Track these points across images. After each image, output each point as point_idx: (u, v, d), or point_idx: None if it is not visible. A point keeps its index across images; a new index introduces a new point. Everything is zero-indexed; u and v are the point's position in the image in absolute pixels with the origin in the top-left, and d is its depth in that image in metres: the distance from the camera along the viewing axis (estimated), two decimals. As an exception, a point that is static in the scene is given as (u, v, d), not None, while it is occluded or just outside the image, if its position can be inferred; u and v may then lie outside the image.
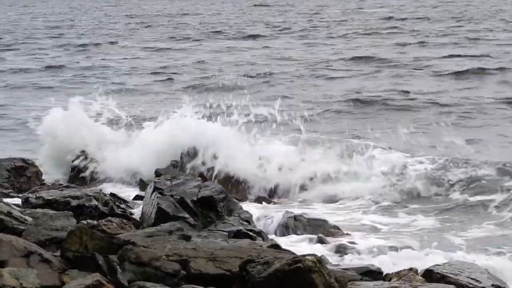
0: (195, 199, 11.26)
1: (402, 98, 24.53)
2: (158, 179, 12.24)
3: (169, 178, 12.09)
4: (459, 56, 33.96)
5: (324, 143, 16.69)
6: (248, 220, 11.42)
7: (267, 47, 42.48)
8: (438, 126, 18.87)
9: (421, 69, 30.86)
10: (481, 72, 29.05)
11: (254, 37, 49.03)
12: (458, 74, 28.84)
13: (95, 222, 10.20)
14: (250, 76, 30.25)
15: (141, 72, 34.20)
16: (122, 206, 12.21)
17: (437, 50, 36.61)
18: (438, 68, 30.78)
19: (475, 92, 25.38)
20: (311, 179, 15.19)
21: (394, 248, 10.78)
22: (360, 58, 35.02)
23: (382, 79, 28.86)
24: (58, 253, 7.87)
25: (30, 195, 11.90)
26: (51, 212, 10.09)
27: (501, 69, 29.41)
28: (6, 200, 10.80)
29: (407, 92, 25.44)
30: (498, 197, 13.68)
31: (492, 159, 15.66)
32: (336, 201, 14.47)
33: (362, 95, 25.16)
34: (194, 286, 7.36)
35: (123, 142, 16.85)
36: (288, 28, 54.50)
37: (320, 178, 15.23)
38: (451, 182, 14.79)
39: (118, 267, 7.32)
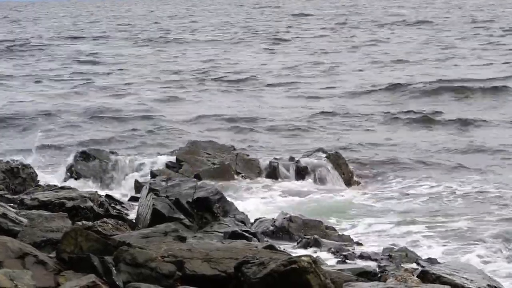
0: (191, 200, 11.26)
1: None
2: (154, 180, 12.23)
3: (164, 179, 12.08)
4: None
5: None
6: (244, 221, 11.42)
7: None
8: None
9: None
10: None
11: None
12: None
13: (90, 223, 10.19)
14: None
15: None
16: (118, 207, 12.22)
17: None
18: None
19: None
20: None
21: (391, 249, 10.81)
22: None
23: None
24: (53, 255, 7.85)
25: (25, 196, 11.88)
26: (46, 213, 10.08)
27: None
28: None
29: None
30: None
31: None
32: None
33: None
34: (190, 287, 7.36)
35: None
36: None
37: None
38: None
39: (114, 268, 7.31)
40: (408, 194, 15.04)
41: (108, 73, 35.78)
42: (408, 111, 23.47)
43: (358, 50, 42.36)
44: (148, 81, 32.64)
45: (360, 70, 34.02)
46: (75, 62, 41.22)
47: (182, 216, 10.88)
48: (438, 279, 8.09)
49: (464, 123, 21.51)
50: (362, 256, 10.24)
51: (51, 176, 16.81)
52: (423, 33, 51.09)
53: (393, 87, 27.86)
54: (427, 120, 22.25)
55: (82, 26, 76.07)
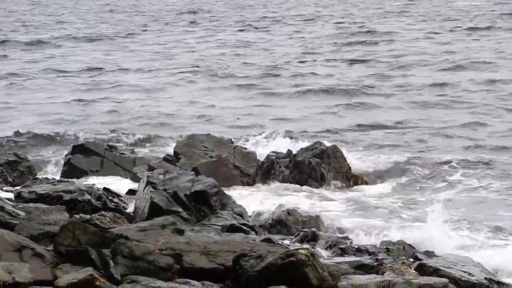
0: (188, 193, 11.25)
1: None
2: (151, 173, 12.22)
3: (162, 172, 12.07)
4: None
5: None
6: (241, 214, 11.42)
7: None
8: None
9: None
10: None
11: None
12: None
13: (88, 216, 10.19)
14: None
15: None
16: (115, 200, 12.21)
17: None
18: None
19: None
20: None
21: (388, 242, 10.81)
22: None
23: None
24: (50, 247, 7.85)
25: (22, 189, 11.87)
26: (43, 206, 10.08)
27: None
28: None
29: None
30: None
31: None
32: None
33: None
34: (188, 280, 7.37)
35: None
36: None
37: None
38: None
39: (111, 261, 7.32)
40: (407, 191, 15.04)
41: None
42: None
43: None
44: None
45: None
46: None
47: (180, 209, 10.88)
48: (435, 272, 8.11)
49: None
50: (359, 249, 10.24)
51: (49, 169, 16.81)
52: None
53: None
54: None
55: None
